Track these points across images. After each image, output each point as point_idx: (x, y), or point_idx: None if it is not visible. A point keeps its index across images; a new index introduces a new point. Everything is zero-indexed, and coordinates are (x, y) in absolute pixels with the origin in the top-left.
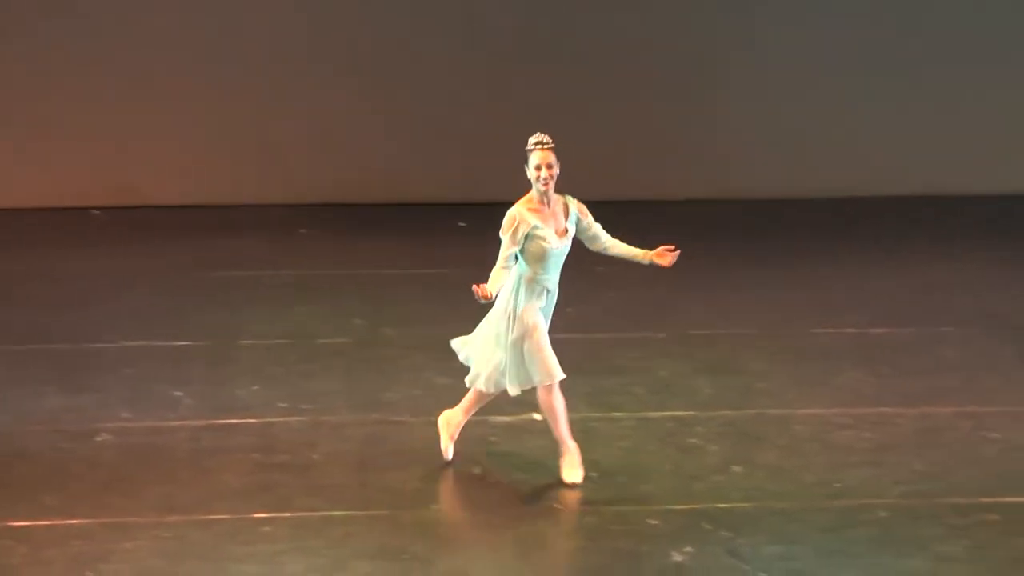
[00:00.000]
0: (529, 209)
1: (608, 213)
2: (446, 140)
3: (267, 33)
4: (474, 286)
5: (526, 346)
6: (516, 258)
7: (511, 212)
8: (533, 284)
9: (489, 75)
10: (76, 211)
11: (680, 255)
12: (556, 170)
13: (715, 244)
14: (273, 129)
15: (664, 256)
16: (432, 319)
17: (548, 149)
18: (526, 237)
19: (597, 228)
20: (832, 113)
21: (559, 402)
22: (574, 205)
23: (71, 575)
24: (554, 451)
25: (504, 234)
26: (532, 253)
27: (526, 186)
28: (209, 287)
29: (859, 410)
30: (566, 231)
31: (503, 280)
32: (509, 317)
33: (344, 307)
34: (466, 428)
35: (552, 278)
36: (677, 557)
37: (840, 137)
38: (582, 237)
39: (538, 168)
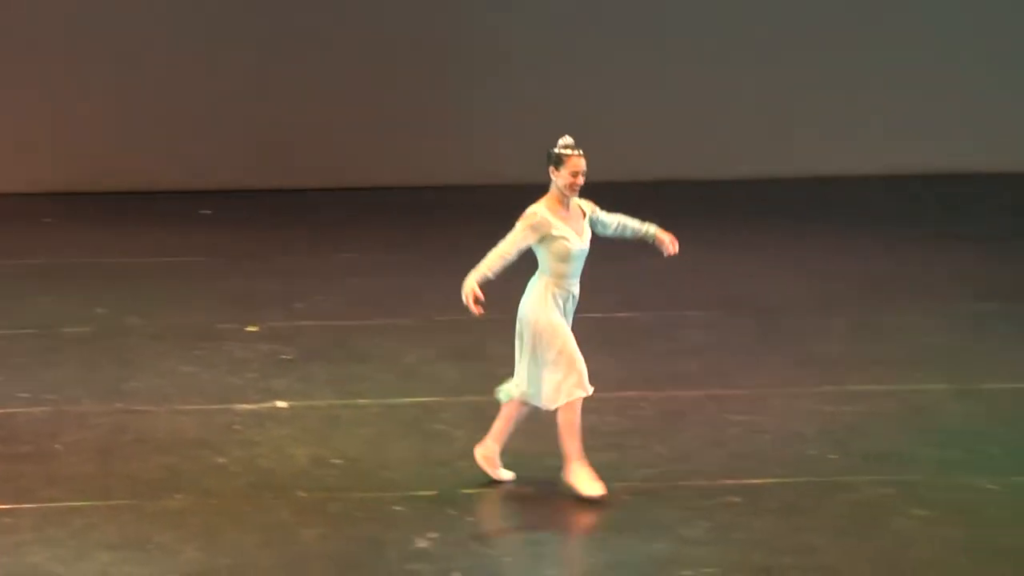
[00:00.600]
0: (549, 209)
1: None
2: (180, 126)
3: None
4: (465, 297)
5: (556, 357)
6: (514, 257)
7: (533, 208)
8: (559, 291)
9: (221, 61)
10: None
11: (426, 242)
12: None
13: (460, 229)
14: (15, 117)
15: (663, 241)
16: (176, 307)
17: (582, 156)
18: (547, 238)
19: (608, 216)
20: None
21: (579, 417)
22: (588, 207)
23: None
24: (298, 438)
25: (521, 222)
26: (556, 254)
27: (270, 171)
28: None
29: (603, 394)
30: (583, 232)
31: (498, 268)
32: (540, 328)
33: (88, 296)
34: (210, 415)
35: (576, 282)
36: (421, 543)
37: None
38: (600, 232)
39: (574, 175)
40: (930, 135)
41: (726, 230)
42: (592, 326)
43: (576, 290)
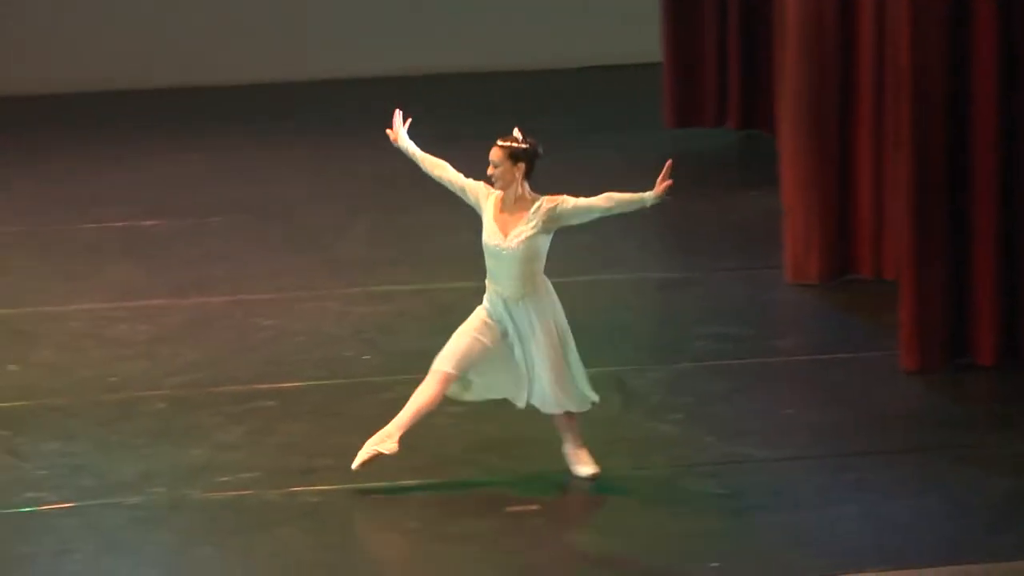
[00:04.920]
0: (495, 193)
1: None
2: None
3: None
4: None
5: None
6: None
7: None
8: (489, 292)
9: None
10: None
11: None
12: (504, 167)
13: None
14: None
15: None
16: None
17: (497, 145)
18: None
19: (582, 202)
20: None
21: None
22: (544, 208)
23: None
24: None
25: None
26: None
27: None
28: None
29: (131, 303)
30: (507, 235)
31: (418, 155)
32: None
33: None
34: None
35: (503, 285)
36: None
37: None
38: (582, 221)
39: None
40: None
41: (247, 134)
42: (116, 236)
43: (506, 293)
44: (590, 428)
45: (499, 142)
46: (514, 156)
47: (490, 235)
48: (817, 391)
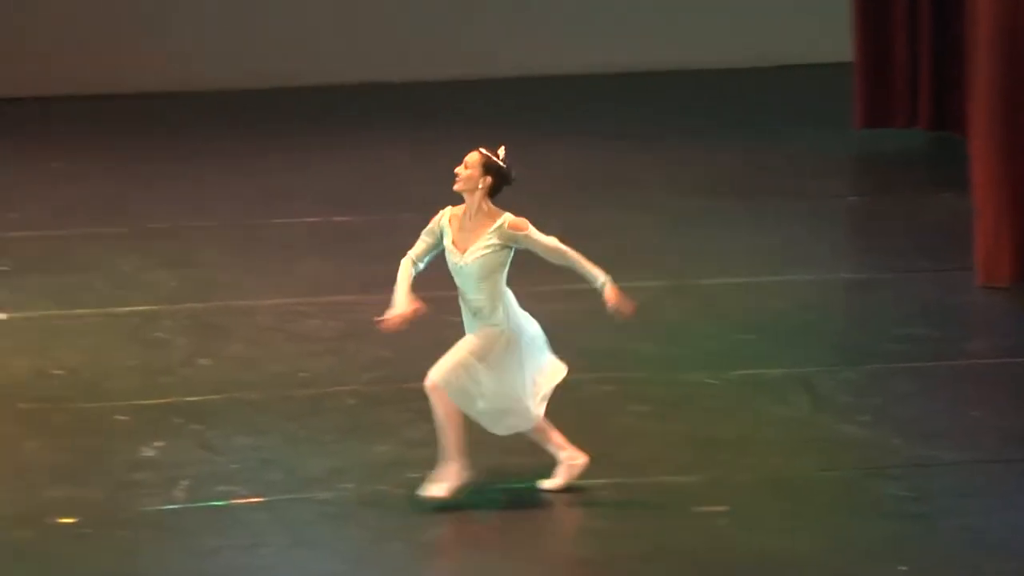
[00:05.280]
0: (457, 210)
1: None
2: None
3: None
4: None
5: None
6: (422, 260)
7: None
8: (462, 306)
9: None
10: None
11: (135, 150)
12: (472, 172)
13: (172, 139)
14: None
15: (611, 300)
16: None
17: (478, 150)
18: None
19: (545, 246)
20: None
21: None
22: (502, 227)
23: None
24: (18, 350)
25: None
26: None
27: None
28: None
29: (323, 299)
30: (464, 252)
31: (402, 272)
32: None
33: None
34: None
35: (469, 298)
36: (148, 452)
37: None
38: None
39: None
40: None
41: (439, 130)
42: (307, 230)
43: (473, 305)
44: (778, 429)
45: (481, 149)
46: (487, 167)
47: (450, 252)
48: (1006, 394)
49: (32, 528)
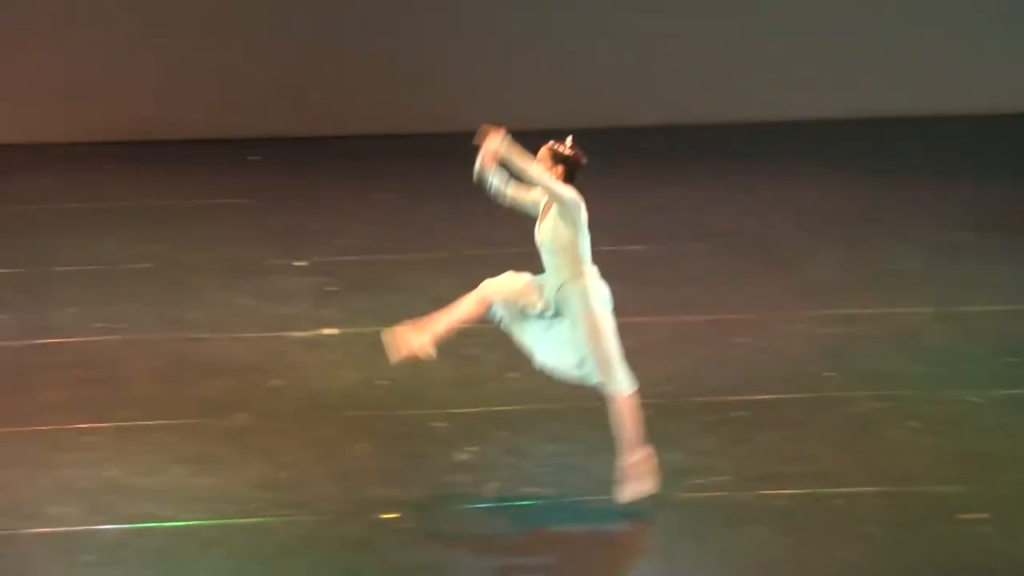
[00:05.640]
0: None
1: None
2: (233, 77)
3: None
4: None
5: None
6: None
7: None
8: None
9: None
10: None
11: (455, 184)
12: (544, 165)
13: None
14: (76, 70)
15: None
16: (229, 245)
17: (546, 146)
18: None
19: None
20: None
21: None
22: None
23: None
24: (346, 363)
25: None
26: None
27: (313, 121)
28: (19, 219)
29: (618, 320)
30: (544, 222)
31: (517, 154)
32: None
33: (148, 235)
34: (265, 342)
35: (548, 275)
36: (461, 456)
37: (565, 71)
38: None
39: None
40: (901, 78)
41: (721, 171)
42: (606, 258)
43: (547, 280)
44: None
45: (550, 143)
46: (555, 157)
47: (536, 230)
48: None
49: (360, 522)
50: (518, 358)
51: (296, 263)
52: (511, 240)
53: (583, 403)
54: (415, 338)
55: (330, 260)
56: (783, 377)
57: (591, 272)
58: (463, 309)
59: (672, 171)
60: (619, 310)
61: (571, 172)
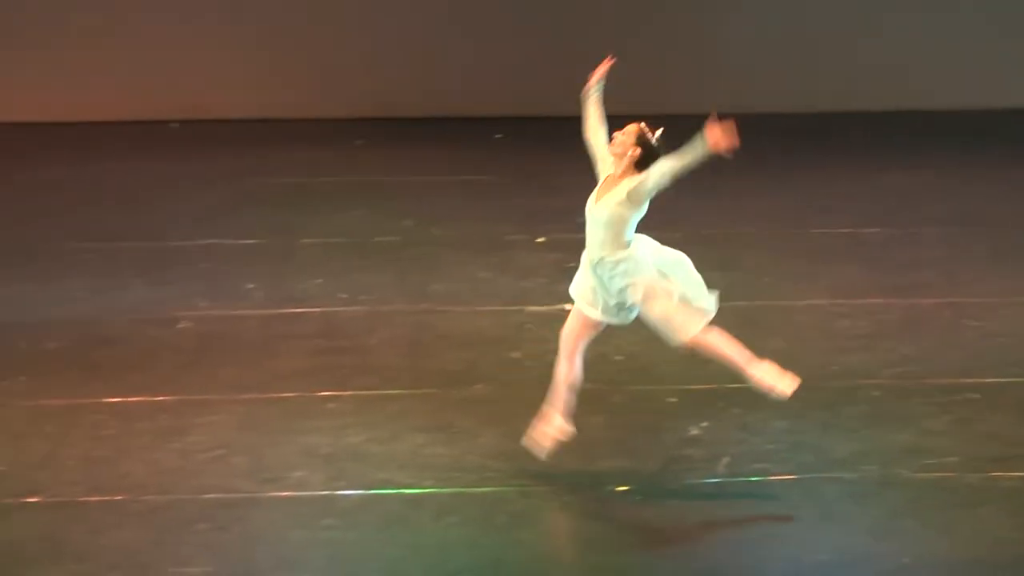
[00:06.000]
0: (609, 171)
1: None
2: (481, 57)
3: None
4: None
5: None
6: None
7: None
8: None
9: None
10: (155, 124)
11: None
12: (627, 140)
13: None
14: (331, 49)
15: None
16: (473, 221)
17: (638, 124)
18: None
19: (654, 171)
20: (807, 30)
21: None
22: (632, 184)
23: (158, 445)
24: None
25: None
26: None
27: (557, 101)
28: (271, 192)
29: (853, 301)
30: (602, 198)
31: (596, 100)
32: None
33: (395, 210)
34: (505, 315)
35: (589, 248)
36: (694, 431)
37: (815, 55)
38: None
39: None
40: None
41: (952, 157)
42: (841, 241)
43: (591, 253)
44: None
45: (642, 124)
46: (640, 140)
47: (590, 201)
48: None
49: (592, 493)
50: (750, 337)
51: (537, 240)
52: (740, 221)
53: (815, 382)
54: (549, 429)
55: (570, 237)
56: (1015, 360)
57: (633, 246)
58: (561, 374)
59: (919, 157)
60: (854, 292)
61: (645, 159)
